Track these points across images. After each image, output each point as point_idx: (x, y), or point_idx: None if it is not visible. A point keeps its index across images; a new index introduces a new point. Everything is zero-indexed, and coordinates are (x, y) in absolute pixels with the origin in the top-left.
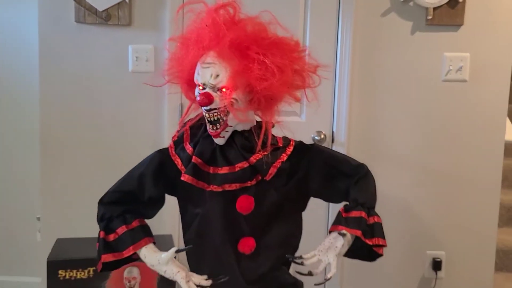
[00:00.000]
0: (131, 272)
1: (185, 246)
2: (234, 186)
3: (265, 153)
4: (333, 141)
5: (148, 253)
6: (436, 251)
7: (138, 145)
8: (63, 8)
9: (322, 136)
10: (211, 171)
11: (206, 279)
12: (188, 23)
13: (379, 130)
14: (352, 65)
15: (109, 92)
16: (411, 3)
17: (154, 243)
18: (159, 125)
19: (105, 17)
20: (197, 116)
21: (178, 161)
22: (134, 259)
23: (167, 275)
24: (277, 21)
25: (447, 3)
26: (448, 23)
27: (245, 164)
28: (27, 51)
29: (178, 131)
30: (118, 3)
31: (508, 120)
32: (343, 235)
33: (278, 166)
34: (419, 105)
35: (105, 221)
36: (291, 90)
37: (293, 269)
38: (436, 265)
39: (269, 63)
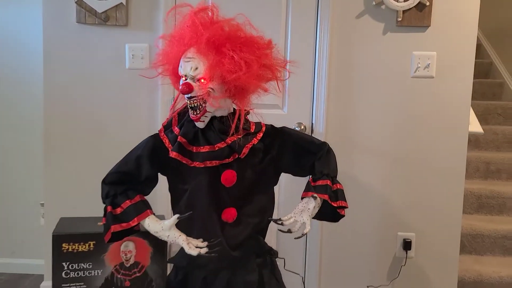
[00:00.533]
0: (127, 246)
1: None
2: (215, 163)
3: (239, 136)
4: (312, 131)
5: (151, 222)
6: (406, 233)
7: (134, 134)
8: (65, 9)
9: (302, 127)
10: (194, 150)
11: (208, 251)
12: (177, 24)
13: (354, 121)
14: (329, 62)
15: (107, 86)
16: (383, 7)
17: (154, 214)
18: (153, 116)
19: (104, 18)
20: (184, 104)
21: (166, 141)
22: (136, 230)
23: (169, 239)
24: (250, 23)
25: (415, 6)
26: (416, 24)
27: (223, 144)
28: (32, 49)
29: (167, 118)
30: (116, 5)
31: (472, 113)
32: (315, 198)
33: (250, 147)
34: (391, 99)
35: (110, 198)
36: (260, 82)
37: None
38: (407, 245)
39: (237, 58)
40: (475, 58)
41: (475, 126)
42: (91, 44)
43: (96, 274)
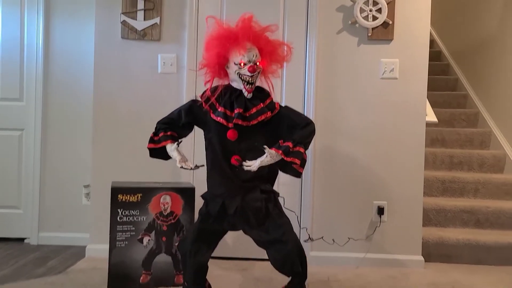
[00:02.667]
0: (165, 198)
1: (204, 164)
2: (260, 118)
3: (268, 101)
4: None
5: (168, 146)
6: (380, 201)
7: None
8: (113, 28)
9: None
10: (247, 114)
11: (191, 168)
12: (209, 32)
13: (337, 113)
14: (317, 68)
15: (144, 87)
16: (357, 25)
17: (178, 144)
18: None
19: (142, 35)
20: (218, 87)
21: (210, 112)
22: (169, 157)
23: (173, 157)
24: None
25: (381, 24)
26: (383, 38)
27: (261, 106)
28: (81, 59)
29: (203, 94)
30: (152, 25)
31: (428, 106)
32: (264, 149)
33: (273, 114)
34: (364, 96)
35: (156, 130)
36: (281, 63)
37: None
38: (380, 211)
39: (278, 50)
40: (444, 75)
41: (431, 117)
42: (131, 54)
43: (142, 220)
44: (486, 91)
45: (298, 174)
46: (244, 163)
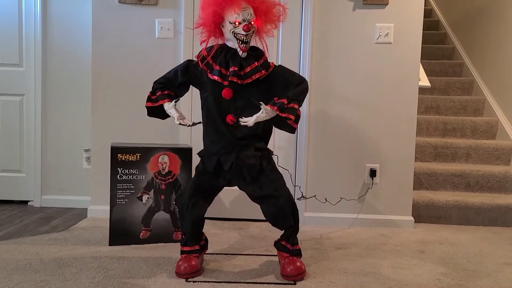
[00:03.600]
0: (163, 158)
1: (201, 120)
2: (254, 76)
3: (263, 59)
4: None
5: (166, 105)
6: (373, 164)
7: None
8: None
9: None
10: (242, 73)
11: (189, 125)
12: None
13: (331, 77)
14: (312, 32)
15: (141, 51)
16: None
17: (175, 103)
18: None
19: None
20: (214, 46)
21: (205, 69)
22: (168, 116)
23: (171, 115)
24: None
25: None
26: (378, 3)
27: (256, 64)
28: (84, 23)
29: (199, 54)
30: None
31: (421, 70)
32: (260, 105)
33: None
34: (359, 60)
35: (153, 89)
36: (275, 23)
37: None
38: (372, 173)
39: (273, 10)
40: (441, 44)
41: (424, 81)
42: (129, 18)
43: (141, 178)
44: (481, 59)
45: (292, 130)
46: (240, 119)
